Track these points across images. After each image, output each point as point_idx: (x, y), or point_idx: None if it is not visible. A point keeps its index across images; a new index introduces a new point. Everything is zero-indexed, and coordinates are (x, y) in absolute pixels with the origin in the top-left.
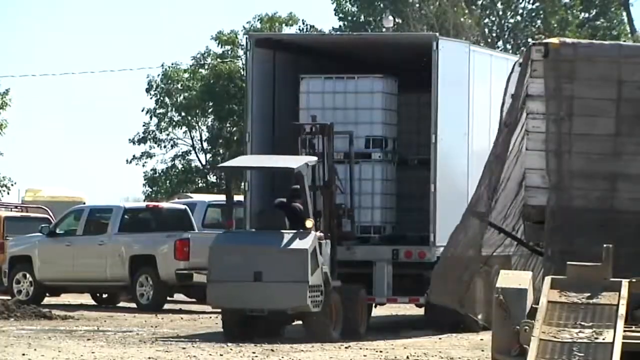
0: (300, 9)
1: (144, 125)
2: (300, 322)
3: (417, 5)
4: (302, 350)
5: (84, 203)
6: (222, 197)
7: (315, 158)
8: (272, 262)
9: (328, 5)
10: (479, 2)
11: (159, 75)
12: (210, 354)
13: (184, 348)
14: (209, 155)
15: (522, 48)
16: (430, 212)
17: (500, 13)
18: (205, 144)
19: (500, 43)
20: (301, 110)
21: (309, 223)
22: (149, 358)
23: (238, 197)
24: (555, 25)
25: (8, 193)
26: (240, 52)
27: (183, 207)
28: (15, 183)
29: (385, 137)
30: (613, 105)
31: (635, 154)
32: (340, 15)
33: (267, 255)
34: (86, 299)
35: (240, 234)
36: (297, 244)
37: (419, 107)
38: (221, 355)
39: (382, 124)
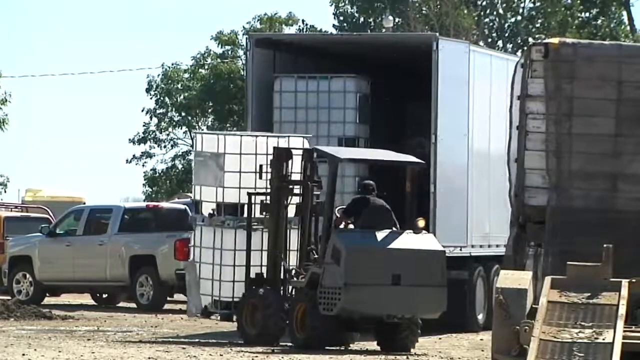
0: (300, 10)
1: (144, 125)
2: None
3: (417, 5)
4: (303, 351)
5: (84, 203)
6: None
7: None
8: (410, 265)
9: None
10: (479, 2)
11: (159, 75)
12: (210, 354)
13: (184, 348)
14: None
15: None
16: (430, 212)
17: (501, 13)
18: None
19: (500, 43)
20: (275, 109)
21: (422, 222)
22: (149, 358)
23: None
24: (556, 25)
25: (5, 191)
26: (240, 52)
27: (183, 207)
28: (9, 180)
29: (358, 137)
30: (613, 105)
31: (635, 154)
32: (340, 18)
33: (405, 258)
34: (86, 299)
35: (367, 233)
36: (433, 245)
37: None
38: (221, 355)
39: (354, 124)
